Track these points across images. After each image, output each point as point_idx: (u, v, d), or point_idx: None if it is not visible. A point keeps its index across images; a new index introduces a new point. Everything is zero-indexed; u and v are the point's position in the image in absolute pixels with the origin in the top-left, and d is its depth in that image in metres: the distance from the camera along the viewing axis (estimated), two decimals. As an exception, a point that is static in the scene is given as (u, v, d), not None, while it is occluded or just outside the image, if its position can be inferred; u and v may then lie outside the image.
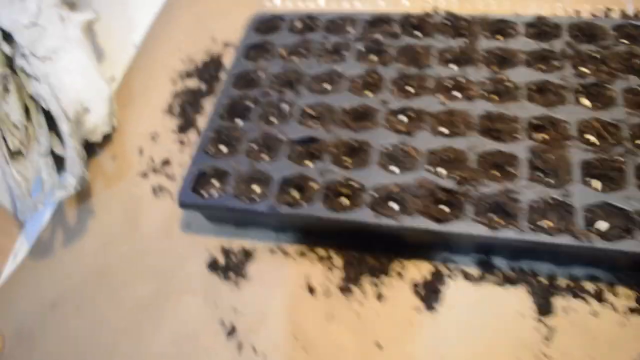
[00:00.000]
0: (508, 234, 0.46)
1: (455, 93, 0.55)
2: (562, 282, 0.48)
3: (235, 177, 0.54)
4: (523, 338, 0.47)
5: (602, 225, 0.45)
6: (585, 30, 0.57)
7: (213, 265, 0.56)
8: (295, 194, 0.52)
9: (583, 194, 0.46)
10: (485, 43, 0.58)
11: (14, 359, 0.55)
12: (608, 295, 0.47)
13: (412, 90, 0.57)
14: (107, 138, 0.68)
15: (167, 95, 0.71)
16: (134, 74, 0.76)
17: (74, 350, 0.54)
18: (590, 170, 0.48)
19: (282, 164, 0.54)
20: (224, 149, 0.58)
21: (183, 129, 0.67)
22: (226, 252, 0.56)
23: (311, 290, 0.53)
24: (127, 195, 0.64)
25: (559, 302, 0.48)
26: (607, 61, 0.53)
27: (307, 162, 0.54)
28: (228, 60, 0.72)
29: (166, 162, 0.64)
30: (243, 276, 0.55)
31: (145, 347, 0.53)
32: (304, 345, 0.50)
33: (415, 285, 0.51)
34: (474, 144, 0.51)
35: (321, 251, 0.54)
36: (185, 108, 0.68)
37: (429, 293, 0.50)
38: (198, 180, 0.55)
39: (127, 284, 0.57)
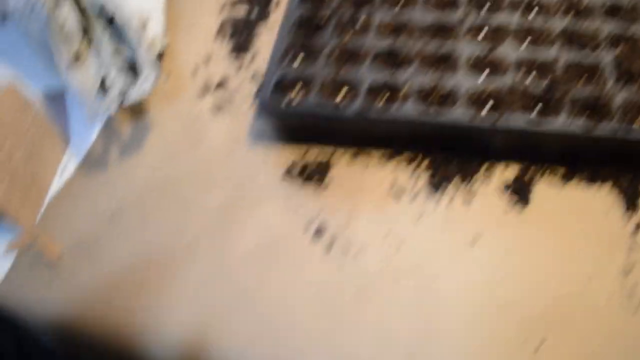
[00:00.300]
0: (602, 130, 0.48)
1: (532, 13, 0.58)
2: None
3: (318, 84, 0.53)
4: (613, 232, 0.49)
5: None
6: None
7: (289, 174, 0.55)
8: (383, 99, 0.52)
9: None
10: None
11: (76, 268, 0.52)
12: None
13: (488, 7, 0.59)
14: (158, 57, 0.65)
15: (217, 19, 0.70)
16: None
17: (143, 258, 0.52)
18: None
19: (368, 71, 0.54)
20: (300, 59, 0.57)
21: (238, 51, 0.65)
22: (302, 162, 0.55)
23: (398, 193, 0.53)
24: (185, 112, 0.61)
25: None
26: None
27: (393, 70, 0.54)
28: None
29: (222, 84, 0.63)
30: (323, 183, 0.54)
31: (228, 251, 0.51)
32: (394, 244, 0.50)
33: (504, 187, 0.52)
34: (558, 55, 0.53)
35: (405, 157, 0.55)
36: (239, 31, 0.67)
37: (518, 194, 0.51)
38: (277, 88, 0.54)
39: (196, 194, 0.55)
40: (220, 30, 0.68)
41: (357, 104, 0.51)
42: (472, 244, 0.49)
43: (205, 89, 0.63)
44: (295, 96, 0.53)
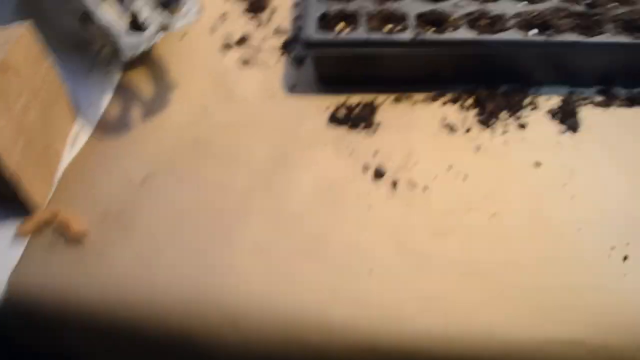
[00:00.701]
0: None
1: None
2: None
3: (363, 18, 0.51)
4: None
5: None
6: None
7: (335, 119, 0.53)
8: (432, 29, 0.52)
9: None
10: None
11: (107, 244, 0.46)
12: None
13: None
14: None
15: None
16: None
17: (188, 220, 0.47)
18: None
19: (412, 2, 0.53)
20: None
21: (254, 11, 0.63)
22: (346, 106, 0.53)
23: (451, 128, 0.52)
24: (210, 68, 0.58)
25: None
26: None
27: (438, 2, 0.54)
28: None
29: (243, 40, 0.60)
30: (372, 125, 0.52)
31: (284, 201, 0.48)
32: (460, 176, 0.48)
33: (552, 113, 0.53)
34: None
35: (449, 97, 0.54)
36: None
37: (566, 118, 0.52)
38: (320, 23, 0.52)
39: (238, 149, 0.51)
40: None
41: (406, 34, 0.50)
42: (536, 167, 0.49)
43: (226, 46, 0.60)
44: (341, 30, 0.51)
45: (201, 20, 0.61)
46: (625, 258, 0.43)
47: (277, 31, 0.61)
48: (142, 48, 0.48)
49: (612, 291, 0.42)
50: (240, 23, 0.62)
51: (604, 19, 0.51)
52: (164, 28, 0.49)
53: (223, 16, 0.63)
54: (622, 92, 0.54)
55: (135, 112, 0.54)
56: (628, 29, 0.51)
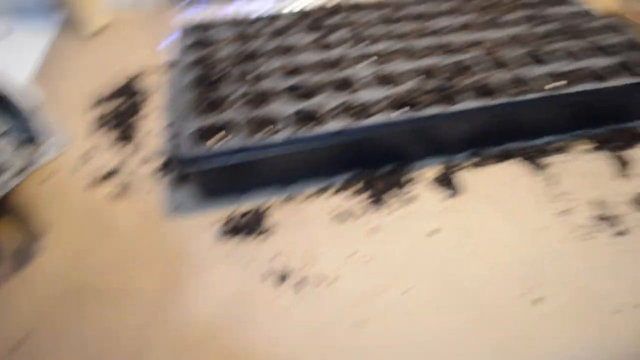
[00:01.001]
0: (502, 100, 0.55)
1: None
2: (536, 148, 0.59)
3: (236, 127, 0.51)
4: (533, 189, 0.55)
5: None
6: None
7: (226, 232, 0.50)
8: (306, 125, 0.52)
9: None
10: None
11: None
12: (568, 147, 0.60)
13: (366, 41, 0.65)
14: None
15: (88, 116, 0.65)
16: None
17: None
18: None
19: (282, 105, 0.54)
20: (209, 110, 0.55)
21: (121, 141, 0.61)
22: (236, 217, 0.51)
23: (345, 215, 0.52)
24: (83, 205, 0.53)
25: (545, 160, 0.58)
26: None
27: (305, 100, 0.55)
28: (148, 81, 0.71)
29: (116, 170, 0.57)
30: (265, 230, 0.51)
31: (185, 330, 0.43)
32: (363, 261, 0.48)
33: (435, 182, 0.55)
34: (440, 61, 0.61)
35: (336, 187, 0.55)
36: (116, 123, 0.63)
37: (449, 184, 0.55)
38: (195, 139, 0.51)
39: (125, 286, 0.47)
40: (95, 125, 0.63)
41: (282, 134, 0.51)
42: (433, 235, 0.50)
43: (97, 180, 0.56)
44: (217, 142, 0.50)
45: (67, 157, 0.59)
46: (536, 302, 0.44)
47: (152, 155, 0.59)
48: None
49: (532, 338, 0.42)
50: (110, 154, 0.59)
51: (460, 89, 0.56)
52: (22, 170, 0.45)
53: (91, 150, 0.60)
54: (492, 150, 0.59)
55: (1, 268, 0.48)
56: (481, 95, 0.56)
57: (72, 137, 0.61)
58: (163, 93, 0.69)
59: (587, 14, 0.73)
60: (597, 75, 0.60)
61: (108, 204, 0.54)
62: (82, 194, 0.55)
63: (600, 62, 0.62)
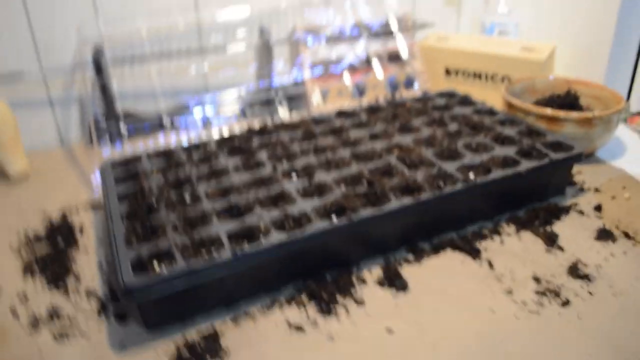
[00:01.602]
0: (426, 195, 0.59)
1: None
2: (467, 236, 0.62)
3: (176, 252, 0.51)
4: (474, 274, 0.57)
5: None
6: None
7: (180, 363, 0.48)
8: (246, 243, 0.53)
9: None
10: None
11: None
12: (496, 231, 0.64)
13: (284, 162, 0.68)
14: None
15: (18, 261, 0.62)
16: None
17: None
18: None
19: (219, 226, 0.55)
20: (145, 240, 0.54)
21: (57, 281, 0.58)
22: (187, 345, 0.49)
23: (298, 328, 0.51)
24: (21, 354, 0.49)
25: (478, 246, 0.61)
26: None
27: (242, 218, 0.56)
28: (78, 219, 0.70)
29: (53, 314, 0.54)
30: (219, 354, 0.49)
31: None
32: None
33: (379, 282, 0.56)
34: (360, 168, 0.65)
35: (284, 300, 0.54)
36: (50, 263, 0.60)
37: (393, 281, 0.56)
38: (135, 270, 0.49)
39: None
40: (28, 268, 0.60)
41: (223, 254, 0.51)
42: (389, 333, 0.50)
43: (34, 325, 0.53)
44: (159, 269, 0.49)
45: (2, 300, 0.55)
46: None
47: (91, 293, 0.56)
48: None
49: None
50: (45, 297, 0.56)
51: (386, 191, 0.59)
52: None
53: (24, 295, 0.56)
54: (427, 244, 0.61)
55: None
56: (406, 193, 0.59)
57: (5, 280, 0.58)
58: (95, 230, 0.68)
59: (490, 111, 0.81)
60: (508, 161, 0.66)
61: (50, 349, 0.50)
62: (21, 341, 0.51)
63: (508, 150, 0.68)
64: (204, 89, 1.00)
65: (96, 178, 0.77)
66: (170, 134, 0.87)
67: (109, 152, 0.85)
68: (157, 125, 0.89)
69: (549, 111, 0.76)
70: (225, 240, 0.53)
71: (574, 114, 0.74)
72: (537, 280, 0.55)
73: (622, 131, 0.89)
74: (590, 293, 0.54)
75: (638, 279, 0.55)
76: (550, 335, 0.49)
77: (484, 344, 0.48)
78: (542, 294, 0.54)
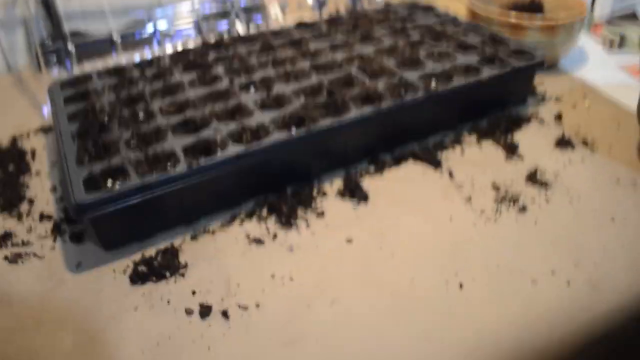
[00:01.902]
0: (387, 104, 0.58)
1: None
2: (429, 147, 0.62)
3: (132, 167, 0.49)
4: (435, 183, 0.57)
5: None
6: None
7: (137, 278, 0.47)
8: (203, 152, 0.52)
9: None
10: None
11: None
12: (458, 141, 0.63)
13: (242, 76, 0.65)
14: None
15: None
16: None
17: None
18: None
19: (175, 140, 0.53)
20: (98, 157, 0.52)
21: (10, 206, 0.56)
22: (145, 260, 0.49)
23: (258, 241, 0.51)
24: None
25: (439, 156, 0.61)
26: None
27: (198, 132, 0.55)
28: (31, 142, 0.68)
29: (6, 237, 0.52)
30: (179, 268, 0.48)
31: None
32: (285, 279, 0.47)
33: (340, 194, 0.56)
34: (320, 79, 0.63)
35: (244, 214, 0.54)
36: (4, 185, 0.59)
37: (354, 193, 0.55)
38: (89, 187, 0.48)
39: (35, 356, 0.42)
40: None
41: (179, 167, 0.49)
42: (349, 243, 0.50)
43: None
44: (113, 185, 0.48)
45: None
46: (460, 286, 0.45)
47: (43, 217, 0.55)
48: None
49: (463, 319, 0.43)
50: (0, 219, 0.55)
51: (346, 100, 0.58)
52: None
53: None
54: (389, 155, 0.61)
55: None
56: (367, 102, 0.58)
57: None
58: (48, 154, 0.65)
59: (453, 21, 0.79)
60: (470, 69, 0.64)
61: (5, 270, 0.49)
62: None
63: (470, 59, 0.67)
64: (156, 4, 0.94)
65: (48, 100, 0.73)
66: (123, 52, 0.83)
67: (57, 74, 0.80)
68: (109, 44, 0.84)
69: (512, 18, 0.74)
70: (180, 154, 0.51)
71: (537, 22, 0.73)
72: (496, 188, 0.56)
73: (585, 41, 0.89)
74: (547, 199, 0.54)
75: (594, 185, 0.56)
76: (507, 240, 0.50)
77: (442, 250, 0.49)
78: (500, 201, 0.54)
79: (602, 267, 0.47)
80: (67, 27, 0.84)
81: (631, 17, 0.93)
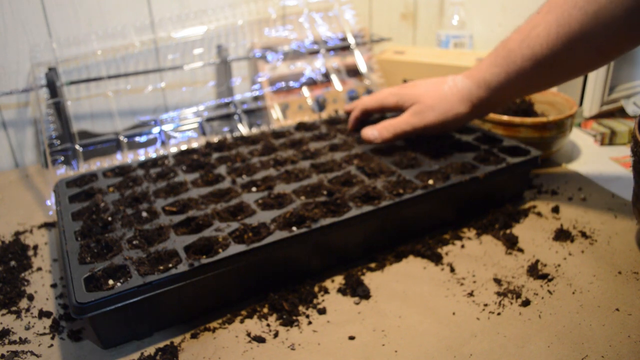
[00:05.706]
0: (386, 202, 0.59)
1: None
2: (428, 242, 0.62)
3: (133, 267, 0.49)
4: (435, 278, 0.57)
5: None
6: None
7: (138, 381, 0.46)
8: (205, 256, 0.52)
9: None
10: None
11: None
12: (457, 236, 0.64)
13: (244, 176, 0.67)
14: None
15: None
16: None
17: None
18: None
19: (177, 239, 0.54)
20: (99, 257, 0.53)
21: (9, 302, 0.56)
22: (145, 358, 0.48)
23: (259, 339, 0.50)
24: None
25: (439, 251, 0.61)
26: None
27: (200, 232, 0.55)
28: (33, 239, 0.68)
29: (4, 334, 0.52)
30: (179, 368, 0.47)
31: None
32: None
33: (341, 291, 0.55)
34: (320, 179, 0.64)
35: (244, 313, 0.53)
36: (4, 282, 0.59)
37: (355, 289, 0.55)
38: (89, 286, 0.48)
39: None
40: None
41: (180, 267, 0.49)
42: (351, 340, 0.49)
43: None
44: (114, 285, 0.48)
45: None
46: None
47: (42, 314, 0.54)
48: None
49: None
50: (-2, 318, 0.54)
51: (345, 200, 0.59)
52: None
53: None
54: (389, 252, 0.61)
55: None
56: (366, 201, 0.59)
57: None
58: (50, 250, 0.66)
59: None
60: (466, 167, 0.66)
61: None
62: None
63: (466, 157, 0.69)
64: (162, 108, 0.99)
65: (51, 198, 0.75)
66: (128, 153, 0.86)
67: (64, 172, 0.82)
68: (115, 144, 0.87)
69: (504, 117, 0.77)
70: (182, 253, 0.52)
71: (529, 119, 0.76)
72: (498, 282, 0.56)
73: (577, 135, 0.92)
74: (549, 292, 0.54)
75: (595, 276, 0.56)
76: (511, 334, 0.49)
77: (446, 346, 0.48)
78: (503, 294, 0.54)
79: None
80: (76, 127, 0.88)
81: (620, 111, 0.97)
